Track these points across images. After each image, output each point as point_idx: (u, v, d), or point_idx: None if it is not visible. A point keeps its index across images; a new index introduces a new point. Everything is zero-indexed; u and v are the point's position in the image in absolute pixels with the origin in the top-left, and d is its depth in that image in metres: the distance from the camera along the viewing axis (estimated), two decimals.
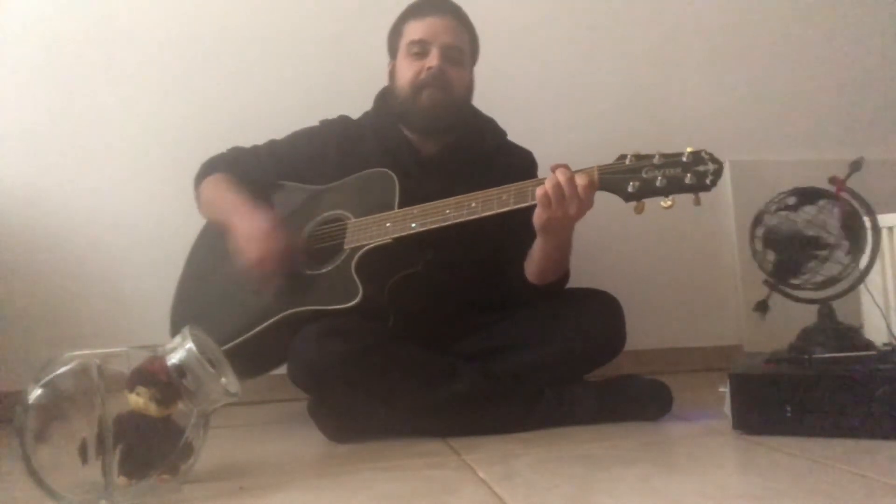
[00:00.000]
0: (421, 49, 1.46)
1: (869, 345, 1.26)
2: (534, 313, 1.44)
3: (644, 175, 1.18)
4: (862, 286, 1.32)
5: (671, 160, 1.17)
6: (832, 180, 1.28)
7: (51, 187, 1.81)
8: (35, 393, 0.95)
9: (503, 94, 1.89)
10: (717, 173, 1.15)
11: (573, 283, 1.49)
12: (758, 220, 1.30)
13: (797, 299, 1.29)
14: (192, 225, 1.62)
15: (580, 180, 1.20)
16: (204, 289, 1.54)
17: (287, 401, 1.71)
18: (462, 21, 1.51)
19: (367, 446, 1.26)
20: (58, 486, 0.93)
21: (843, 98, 2.25)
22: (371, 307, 1.32)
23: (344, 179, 1.49)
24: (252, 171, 1.54)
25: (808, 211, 1.27)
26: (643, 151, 1.20)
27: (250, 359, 1.40)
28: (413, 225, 1.32)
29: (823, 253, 1.26)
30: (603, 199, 1.24)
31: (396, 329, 1.38)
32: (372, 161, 1.47)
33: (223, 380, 1.02)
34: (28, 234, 1.79)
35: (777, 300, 1.31)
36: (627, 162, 1.20)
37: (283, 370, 1.36)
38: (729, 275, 2.12)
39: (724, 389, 1.23)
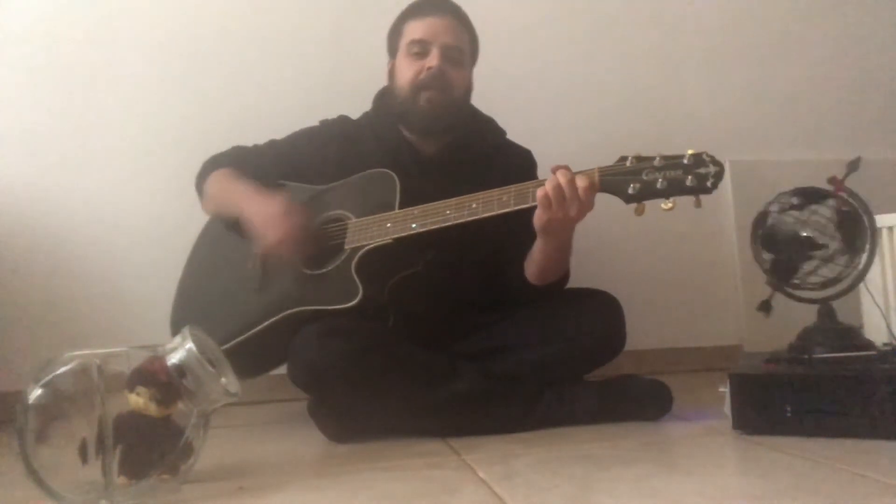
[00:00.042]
0: (421, 49, 1.46)
1: (869, 345, 1.26)
2: (534, 313, 1.44)
3: (645, 177, 1.18)
4: (862, 286, 1.32)
5: (672, 162, 1.17)
6: (831, 180, 1.28)
7: (51, 187, 1.81)
8: (35, 393, 0.95)
9: (503, 94, 1.90)
10: (718, 176, 1.15)
11: (573, 283, 1.49)
12: (760, 221, 1.30)
13: (800, 299, 1.29)
14: (192, 225, 1.62)
15: (581, 182, 1.20)
16: (204, 289, 1.54)
17: (287, 401, 1.71)
18: (462, 21, 1.51)
19: (367, 446, 1.26)
20: (58, 486, 0.93)
21: (843, 98, 2.25)
22: (371, 307, 1.33)
23: (345, 179, 1.49)
24: (254, 169, 1.54)
25: (807, 211, 1.27)
26: (644, 153, 1.20)
27: (250, 359, 1.40)
28: (413, 225, 1.32)
29: (819, 253, 1.26)
30: (603, 199, 1.23)
31: (396, 329, 1.38)
32: (371, 161, 1.47)
33: (223, 380, 1.02)
34: (28, 234, 1.80)
35: (778, 300, 1.31)
36: (628, 163, 1.20)
37: (283, 370, 1.36)
38: (729, 275, 2.12)
39: (724, 389, 1.23)
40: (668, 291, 2.08)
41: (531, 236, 1.33)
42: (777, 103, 2.21)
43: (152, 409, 0.97)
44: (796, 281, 1.29)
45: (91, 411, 0.94)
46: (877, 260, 1.45)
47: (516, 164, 1.55)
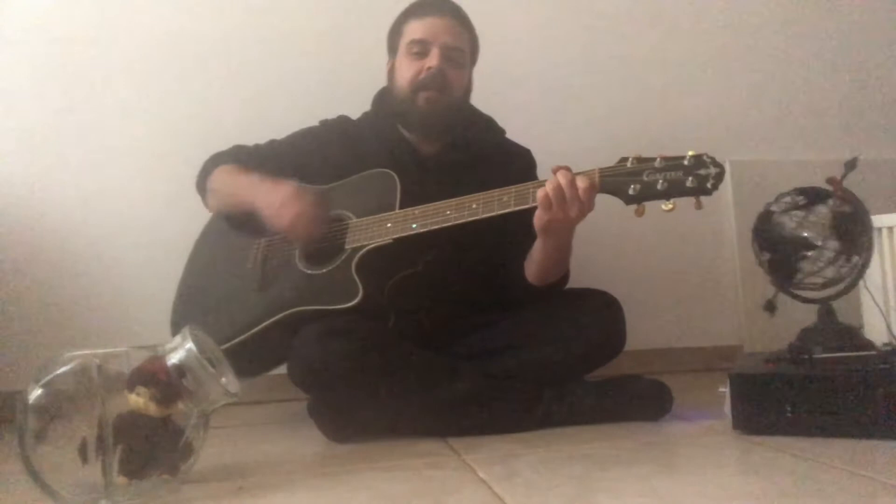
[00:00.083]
0: (421, 49, 1.46)
1: (869, 345, 1.26)
2: (534, 313, 1.44)
3: (645, 178, 1.18)
4: (862, 286, 1.32)
5: (672, 163, 1.17)
6: (829, 181, 1.28)
7: (51, 187, 1.81)
8: (35, 393, 0.95)
9: (503, 94, 1.89)
10: (719, 177, 1.15)
11: (573, 283, 1.49)
12: (760, 221, 1.31)
13: (801, 299, 1.30)
14: (192, 225, 1.62)
15: (581, 182, 1.20)
16: (205, 288, 1.54)
17: (287, 401, 1.71)
18: (462, 21, 1.51)
19: (367, 446, 1.26)
20: (58, 486, 0.93)
21: (843, 98, 2.25)
22: (371, 307, 1.32)
23: (346, 179, 1.49)
24: (256, 167, 1.53)
25: (806, 211, 1.27)
26: (644, 153, 1.20)
27: (250, 358, 1.40)
28: (413, 225, 1.32)
29: (814, 253, 1.27)
30: (603, 200, 1.24)
31: (396, 329, 1.38)
32: (371, 161, 1.47)
33: (223, 380, 1.02)
34: (29, 234, 1.80)
35: (778, 300, 1.31)
36: (629, 164, 1.20)
37: (283, 370, 1.36)
38: (729, 275, 2.12)
39: (724, 389, 1.23)
40: (669, 291, 2.08)
41: (531, 237, 1.34)
42: (777, 103, 2.21)
43: (152, 409, 0.97)
44: (797, 280, 1.29)
45: (91, 411, 0.94)
46: (877, 260, 1.46)
47: (516, 164, 1.55)
